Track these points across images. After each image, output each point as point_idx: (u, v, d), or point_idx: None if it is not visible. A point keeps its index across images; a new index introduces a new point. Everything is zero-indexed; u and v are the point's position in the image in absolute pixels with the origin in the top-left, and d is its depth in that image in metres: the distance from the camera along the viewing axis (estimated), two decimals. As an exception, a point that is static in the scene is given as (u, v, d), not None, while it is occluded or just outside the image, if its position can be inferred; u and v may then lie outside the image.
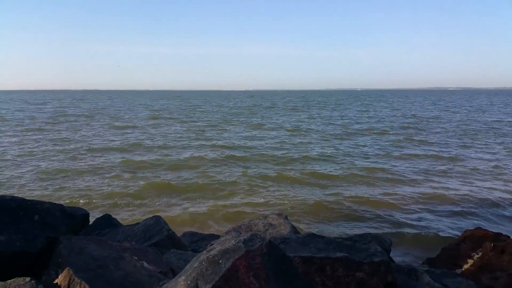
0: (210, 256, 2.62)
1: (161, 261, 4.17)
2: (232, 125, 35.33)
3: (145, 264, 3.91)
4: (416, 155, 19.09)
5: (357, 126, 33.62)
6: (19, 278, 3.48)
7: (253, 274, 2.55)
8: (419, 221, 10.10)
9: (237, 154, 19.30)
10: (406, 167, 16.39)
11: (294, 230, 5.55)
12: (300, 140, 24.68)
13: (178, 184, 13.60)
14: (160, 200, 11.78)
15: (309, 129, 32.09)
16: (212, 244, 3.05)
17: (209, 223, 9.98)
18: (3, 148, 20.89)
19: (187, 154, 19.48)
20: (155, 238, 5.32)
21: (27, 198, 4.34)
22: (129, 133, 28.93)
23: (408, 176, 14.74)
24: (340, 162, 17.59)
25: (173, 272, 3.98)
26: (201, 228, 9.33)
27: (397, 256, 7.73)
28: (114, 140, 24.50)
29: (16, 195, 4.64)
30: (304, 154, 19.29)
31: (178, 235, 6.10)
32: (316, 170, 15.78)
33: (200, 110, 60.56)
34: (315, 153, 19.82)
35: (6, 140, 23.98)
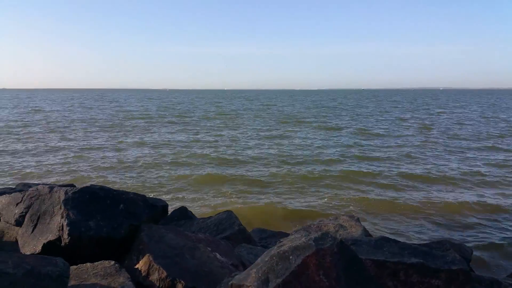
0: (281, 252, 2.66)
1: (232, 254, 4.32)
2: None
3: (218, 256, 4.07)
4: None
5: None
6: (105, 261, 3.81)
7: (323, 272, 2.55)
8: (505, 232, 9.32)
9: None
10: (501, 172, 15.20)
11: (366, 232, 5.42)
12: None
13: (259, 181, 13.79)
14: (234, 197, 12.08)
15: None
16: (281, 241, 3.09)
17: (279, 222, 10.01)
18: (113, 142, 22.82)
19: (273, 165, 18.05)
20: (227, 232, 5.49)
21: (114, 188, 4.71)
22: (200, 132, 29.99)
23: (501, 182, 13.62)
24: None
25: (244, 266, 4.10)
26: (271, 226, 9.38)
27: (479, 267, 7.20)
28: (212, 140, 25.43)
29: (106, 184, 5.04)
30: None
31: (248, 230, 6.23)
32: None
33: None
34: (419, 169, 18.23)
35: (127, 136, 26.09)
